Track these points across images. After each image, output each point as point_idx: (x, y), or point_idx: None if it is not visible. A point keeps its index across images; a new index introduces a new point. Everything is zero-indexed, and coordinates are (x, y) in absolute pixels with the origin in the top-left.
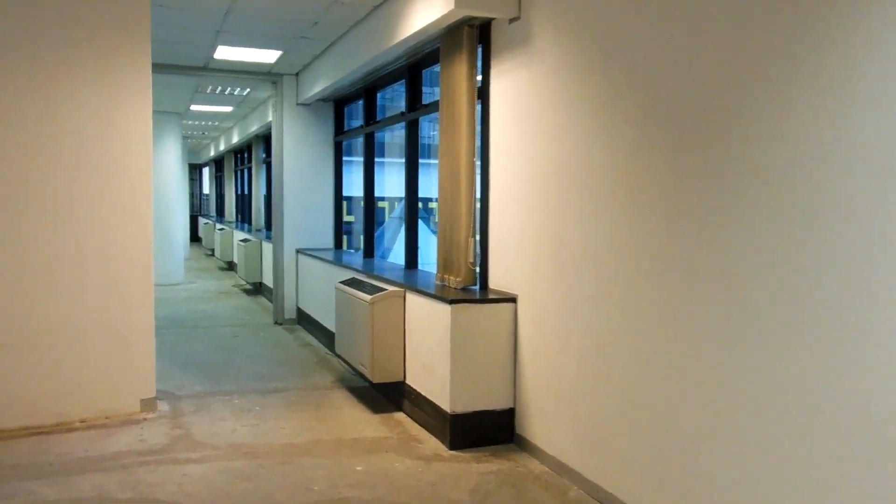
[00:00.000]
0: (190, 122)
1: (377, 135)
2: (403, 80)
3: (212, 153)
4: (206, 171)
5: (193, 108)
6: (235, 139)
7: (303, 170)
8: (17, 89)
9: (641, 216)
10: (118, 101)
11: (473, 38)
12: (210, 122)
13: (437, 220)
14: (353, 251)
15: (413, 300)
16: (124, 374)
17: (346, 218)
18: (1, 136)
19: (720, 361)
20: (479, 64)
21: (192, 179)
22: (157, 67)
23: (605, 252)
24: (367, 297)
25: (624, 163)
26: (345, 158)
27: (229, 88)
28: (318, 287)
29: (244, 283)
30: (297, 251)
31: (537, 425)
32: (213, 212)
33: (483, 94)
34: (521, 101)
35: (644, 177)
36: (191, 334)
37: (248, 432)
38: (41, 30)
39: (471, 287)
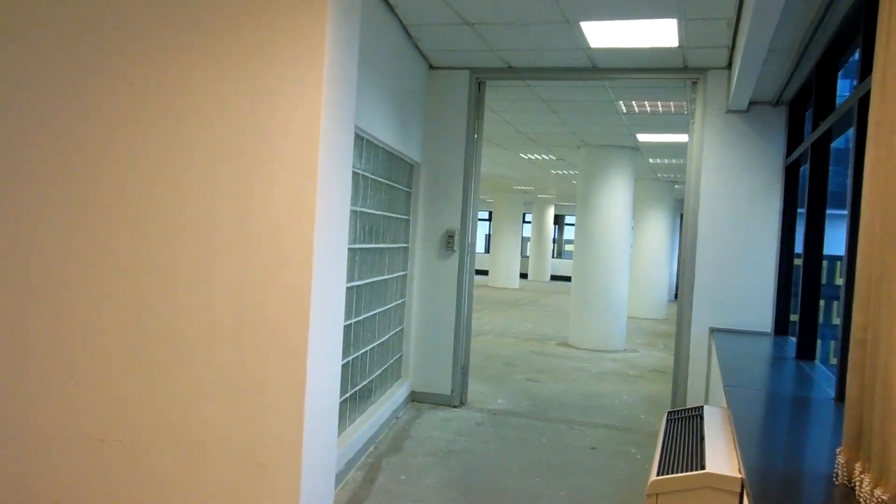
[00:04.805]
0: (662, 161)
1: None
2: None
3: None
4: None
5: (641, 138)
6: None
7: (730, 209)
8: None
9: None
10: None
11: None
12: (682, 160)
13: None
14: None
15: None
16: None
17: None
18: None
19: None
20: None
21: None
22: (528, 73)
23: None
24: (654, 474)
25: None
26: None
27: (659, 102)
28: (719, 393)
29: None
30: (711, 331)
31: None
32: None
33: None
34: None
35: None
36: (539, 432)
37: None
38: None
39: None
